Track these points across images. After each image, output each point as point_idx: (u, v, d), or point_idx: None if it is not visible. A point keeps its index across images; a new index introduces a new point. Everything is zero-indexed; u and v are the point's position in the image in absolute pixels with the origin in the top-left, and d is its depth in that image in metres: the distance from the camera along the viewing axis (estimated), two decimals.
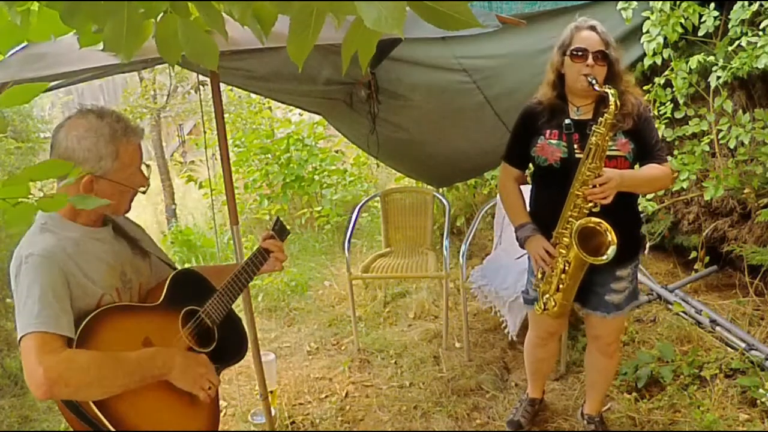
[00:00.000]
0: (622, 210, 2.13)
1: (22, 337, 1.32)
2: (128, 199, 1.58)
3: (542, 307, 2.21)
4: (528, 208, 2.33)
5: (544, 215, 2.21)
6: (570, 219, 2.09)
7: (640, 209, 3.41)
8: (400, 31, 0.74)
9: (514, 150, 2.33)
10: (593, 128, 2.03)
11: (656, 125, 3.31)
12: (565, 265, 2.12)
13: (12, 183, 0.85)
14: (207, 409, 1.61)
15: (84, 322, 1.38)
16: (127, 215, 1.68)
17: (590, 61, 2.05)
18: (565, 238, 2.10)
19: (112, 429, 1.35)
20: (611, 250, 2.01)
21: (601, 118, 2.02)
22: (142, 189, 1.58)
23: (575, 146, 2.12)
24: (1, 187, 0.85)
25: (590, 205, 2.05)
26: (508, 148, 2.36)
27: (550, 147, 2.17)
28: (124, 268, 1.58)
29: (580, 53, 2.07)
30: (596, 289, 2.28)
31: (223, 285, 1.75)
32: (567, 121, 2.14)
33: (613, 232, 2.02)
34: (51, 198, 0.87)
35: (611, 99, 1.99)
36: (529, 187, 2.39)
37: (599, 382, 2.56)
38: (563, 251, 2.11)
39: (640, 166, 2.17)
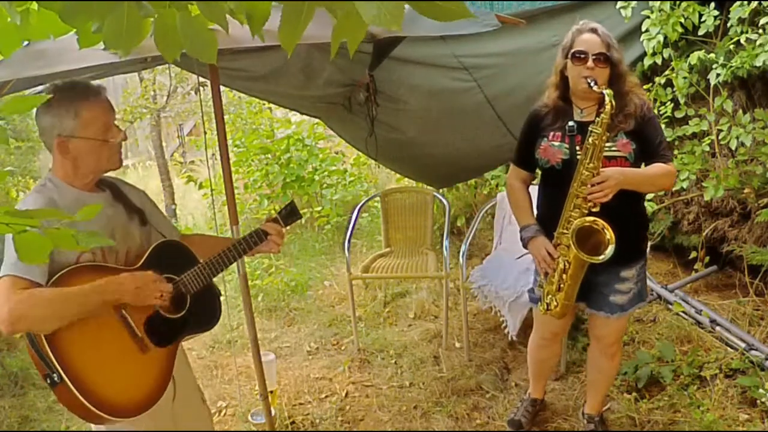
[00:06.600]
0: (625, 211, 2.13)
1: (0, 278, 1.47)
2: (108, 154, 1.65)
3: (545, 307, 2.23)
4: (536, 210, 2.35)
5: (549, 216, 2.22)
6: (570, 219, 2.10)
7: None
8: (399, 27, 0.75)
9: (520, 152, 2.37)
10: (590, 128, 2.05)
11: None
12: (565, 265, 2.13)
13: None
14: (159, 360, 1.66)
15: (55, 277, 1.50)
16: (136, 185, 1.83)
17: (590, 63, 2.07)
18: (565, 238, 2.10)
19: (59, 368, 1.47)
20: (610, 249, 2.01)
21: (597, 119, 2.04)
22: (116, 140, 1.65)
23: (577, 148, 2.13)
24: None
25: (590, 204, 2.05)
26: (515, 150, 2.40)
27: (552, 149, 2.19)
28: (114, 231, 1.67)
29: (581, 56, 2.09)
30: (601, 290, 2.28)
31: (209, 258, 1.82)
32: (570, 123, 2.16)
33: (610, 231, 2.02)
34: (59, 231, 0.90)
35: (607, 99, 2.01)
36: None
37: (600, 382, 2.56)
38: (564, 251, 2.12)
39: (645, 166, 2.17)
